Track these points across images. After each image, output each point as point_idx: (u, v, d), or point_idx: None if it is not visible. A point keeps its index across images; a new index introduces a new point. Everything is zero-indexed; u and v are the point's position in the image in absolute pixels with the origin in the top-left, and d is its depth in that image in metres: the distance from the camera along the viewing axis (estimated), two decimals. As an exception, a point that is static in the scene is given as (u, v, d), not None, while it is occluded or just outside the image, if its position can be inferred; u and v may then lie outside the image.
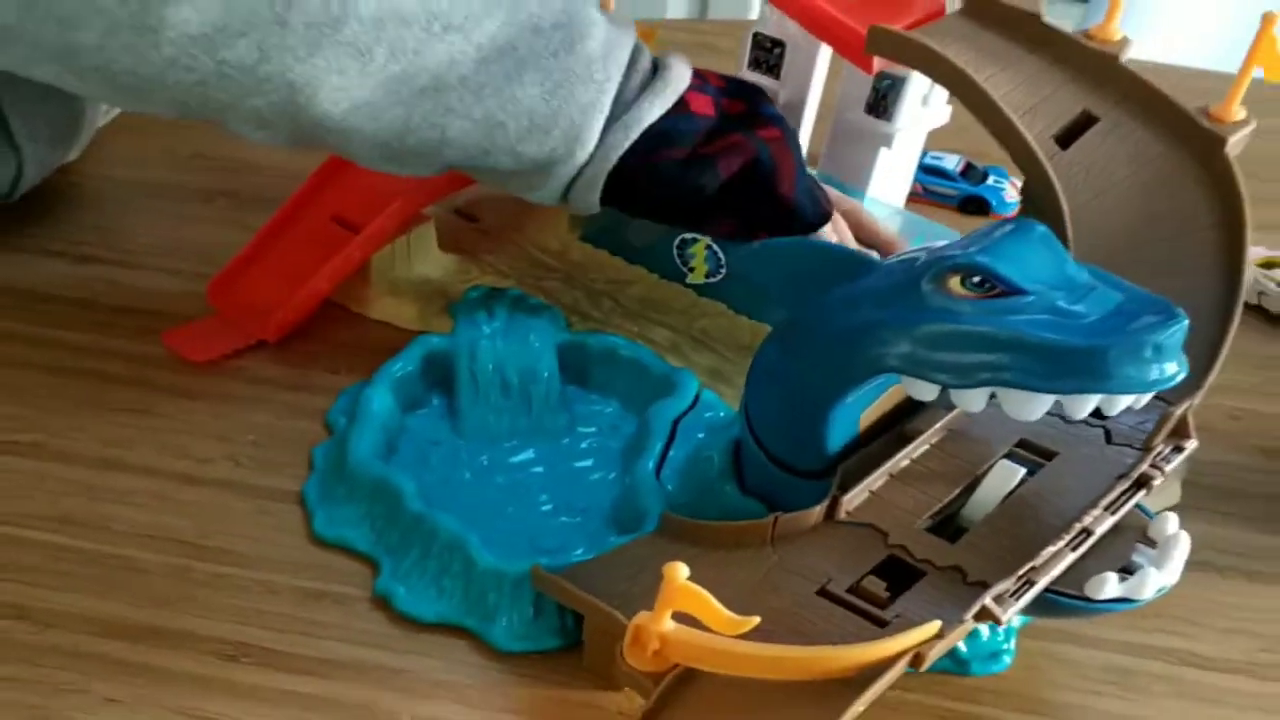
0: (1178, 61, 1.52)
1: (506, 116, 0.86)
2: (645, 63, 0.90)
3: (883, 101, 1.05)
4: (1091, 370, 0.66)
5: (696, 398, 0.95)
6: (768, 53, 1.09)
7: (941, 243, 0.75)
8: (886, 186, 1.11)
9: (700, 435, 0.92)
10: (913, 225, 1.08)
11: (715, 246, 1.02)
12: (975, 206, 1.25)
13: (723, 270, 1.03)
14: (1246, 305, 1.10)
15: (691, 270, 1.04)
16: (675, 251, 1.04)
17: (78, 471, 0.88)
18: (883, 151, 1.08)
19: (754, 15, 1.29)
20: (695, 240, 1.03)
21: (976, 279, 0.69)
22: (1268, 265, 1.18)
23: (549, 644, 0.79)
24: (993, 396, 0.70)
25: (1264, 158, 1.27)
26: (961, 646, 0.79)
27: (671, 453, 0.90)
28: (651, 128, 0.89)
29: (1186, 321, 0.66)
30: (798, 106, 1.10)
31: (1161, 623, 0.84)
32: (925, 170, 1.23)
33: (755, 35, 1.09)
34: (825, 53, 1.08)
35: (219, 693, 0.75)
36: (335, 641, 0.79)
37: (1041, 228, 0.72)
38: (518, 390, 0.96)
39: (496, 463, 0.92)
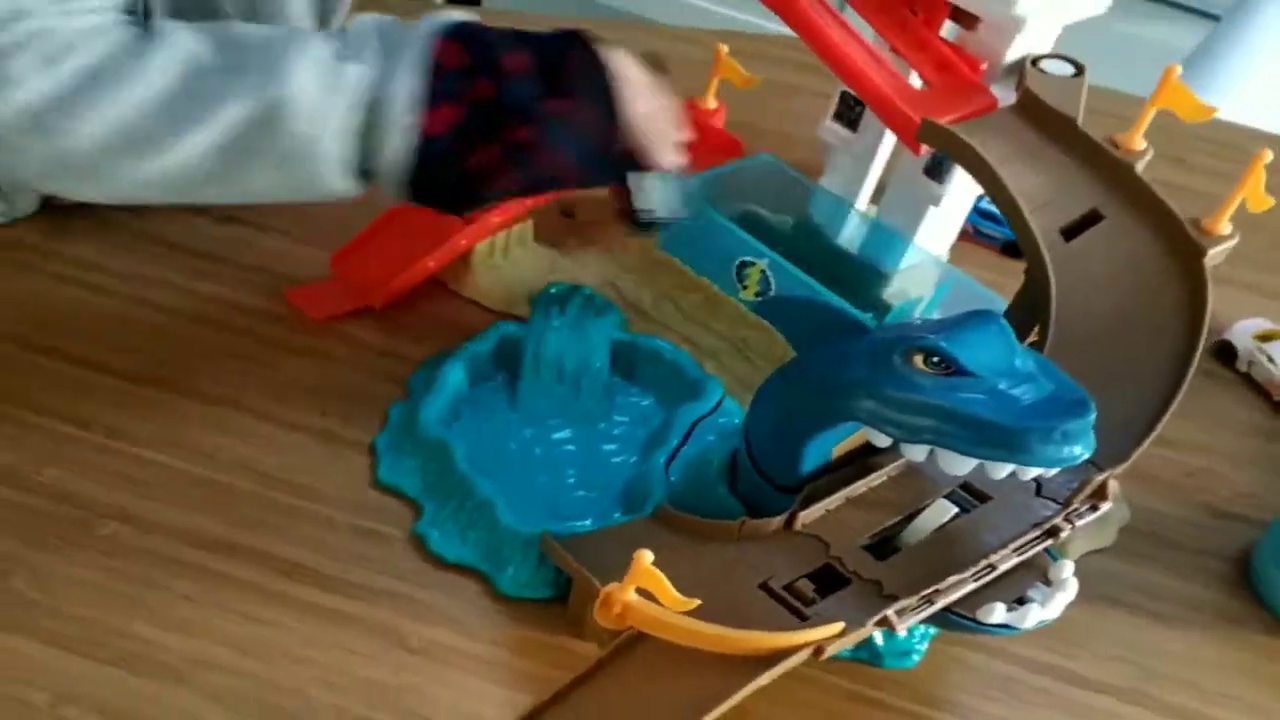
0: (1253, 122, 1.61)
1: (251, 190, 0.94)
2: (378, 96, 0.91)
3: (939, 167, 1.15)
4: (1011, 445, 0.79)
5: (719, 403, 1.08)
6: (850, 109, 1.21)
7: (926, 319, 0.88)
8: (931, 237, 1.21)
9: (710, 438, 1.05)
10: (945, 274, 1.19)
11: (769, 272, 1.15)
12: (1015, 251, 1.33)
13: (771, 292, 1.15)
14: (1237, 372, 1.24)
15: (744, 288, 1.18)
16: (734, 270, 1.17)
17: (196, 406, 1.03)
18: (931, 209, 1.18)
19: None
20: (753, 264, 1.16)
21: (936, 359, 0.82)
22: (1265, 337, 1.26)
23: (543, 594, 0.94)
24: (932, 452, 0.83)
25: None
26: (879, 641, 0.94)
27: (685, 449, 1.04)
28: (408, 165, 0.92)
29: (1094, 416, 0.79)
30: (868, 157, 1.22)
31: (1058, 644, 0.98)
32: (978, 213, 1.33)
33: (843, 92, 1.20)
34: None
35: (271, 602, 0.90)
36: (374, 572, 0.94)
37: (1000, 321, 0.84)
38: (571, 377, 1.09)
39: (539, 437, 1.06)
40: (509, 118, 0.92)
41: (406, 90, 0.90)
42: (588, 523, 0.99)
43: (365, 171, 0.93)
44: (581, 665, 0.83)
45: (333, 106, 0.89)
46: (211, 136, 0.88)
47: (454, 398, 1.06)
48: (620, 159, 0.99)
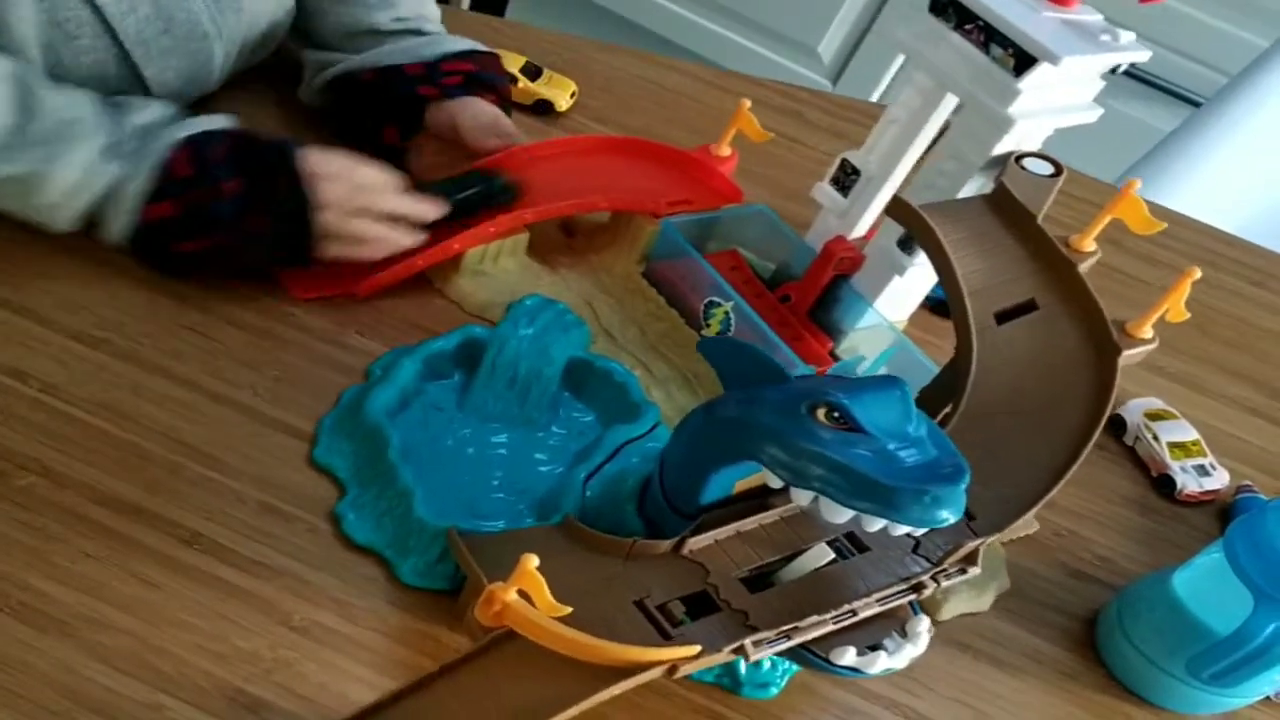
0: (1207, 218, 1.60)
1: None
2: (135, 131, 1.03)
3: (910, 241, 1.13)
4: (885, 501, 0.78)
5: (652, 429, 1.06)
6: (847, 175, 1.19)
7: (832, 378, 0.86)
8: (891, 304, 1.20)
9: (635, 459, 1.03)
10: (894, 340, 1.16)
11: (732, 314, 1.13)
12: (942, 310, 1.33)
13: (731, 332, 1.14)
14: (1124, 445, 1.24)
15: (707, 326, 1.16)
16: (701, 308, 1.15)
17: (133, 371, 1.00)
18: (896, 278, 1.16)
19: (874, 98, 1.34)
20: (719, 304, 1.14)
21: (837, 414, 0.80)
22: (1154, 417, 1.26)
23: (440, 586, 0.92)
24: (817, 498, 0.81)
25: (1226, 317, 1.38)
26: (743, 670, 0.93)
27: (607, 467, 1.02)
28: (129, 237, 1.04)
29: (966, 484, 0.78)
30: (853, 222, 1.20)
31: (908, 683, 0.97)
32: None
33: (843, 159, 1.18)
34: (887, 190, 1.17)
35: (166, 567, 0.89)
36: (271, 550, 0.92)
37: (903, 388, 0.82)
38: (521, 385, 1.07)
39: (476, 438, 1.04)
40: (210, 225, 1.04)
41: (139, 190, 1.02)
42: (500, 524, 0.97)
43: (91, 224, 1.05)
44: (453, 658, 0.82)
45: (78, 196, 1.01)
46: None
47: (405, 389, 1.04)
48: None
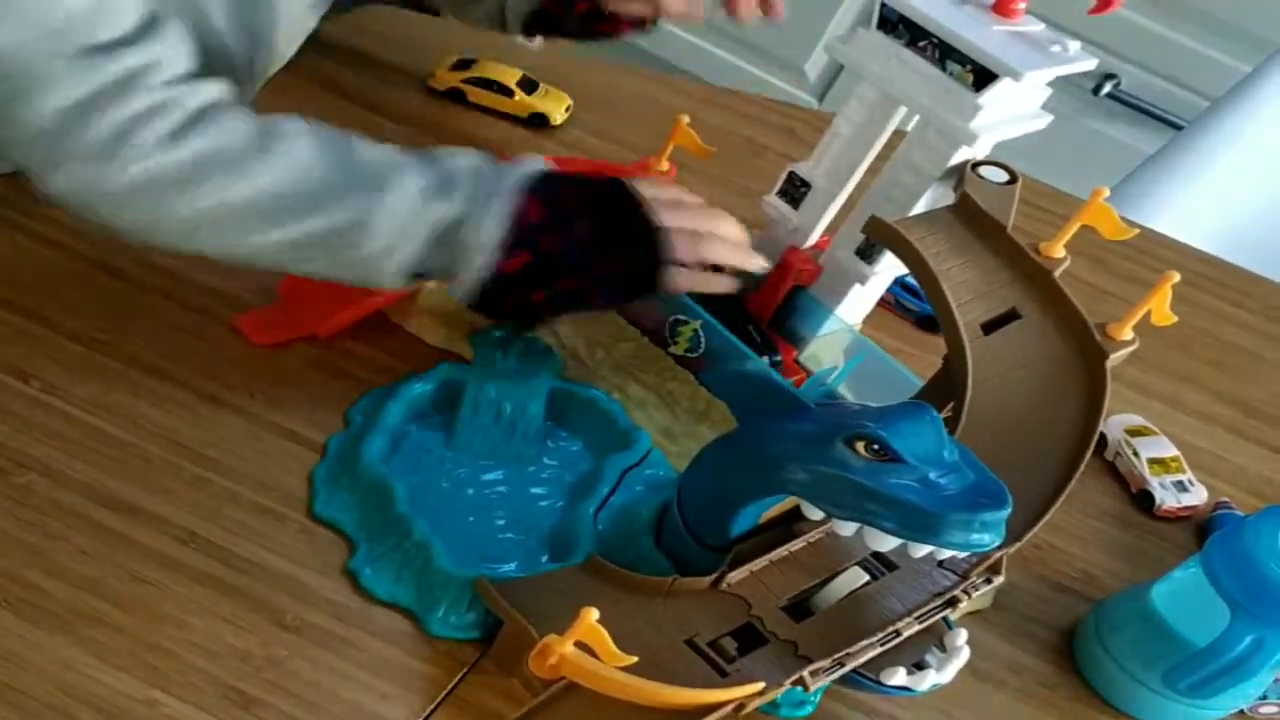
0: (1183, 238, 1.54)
1: (302, 271, 0.91)
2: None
3: (871, 250, 1.07)
4: (932, 529, 0.74)
5: (646, 454, 0.98)
6: (796, 189, 1.11)
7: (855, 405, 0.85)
8: (850, 310, 1.13)
9: (639, 488, 0.96)
10: (858, 345, 1.10)
11: (701, 332, 1.04)
12: (929, 325, 1.26)
13: (700, 350, 1.05)
14: (1104, 460, 1.18)
15: (675, 344, 1.07)
16: (667, 326, 1.06)
17: (133, 372, 0.95)
18: (856, 286, 1.09)
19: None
20: (686, 322, 1.05)
21: (876, 446, 0.76)
22: (1135, 433, 1.20)
23: (471, 635, 0.85)
24: (860, 528, 0.78)
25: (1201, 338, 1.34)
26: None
27: (613, 499, 0.94)
28: (476, 290, 0.93)
29: (1009, 509, 0.75)
30: (805, 234, 1.12)
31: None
32: (900, 285, 1.24)
33: (791, 172, 1.11)
34: (838, 202, 1.10)
35: (161, 565, 0.84)
36: (264, 549, 0.87)
37: (933, 413, 0.78)
38: (507, 420, 0.98)
39: (471, 477, 0.95)
40: (563, 271, 0.94)
41: (491, 237, 0.91)
42: (513, 565, 0.90)
43: (420, 275, 0.93)
44: (443, 659, 0.83)
45: (408, 239, 0.90)
46: (294, 235, 0.88)
47: (394, 435, 0.95)
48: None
